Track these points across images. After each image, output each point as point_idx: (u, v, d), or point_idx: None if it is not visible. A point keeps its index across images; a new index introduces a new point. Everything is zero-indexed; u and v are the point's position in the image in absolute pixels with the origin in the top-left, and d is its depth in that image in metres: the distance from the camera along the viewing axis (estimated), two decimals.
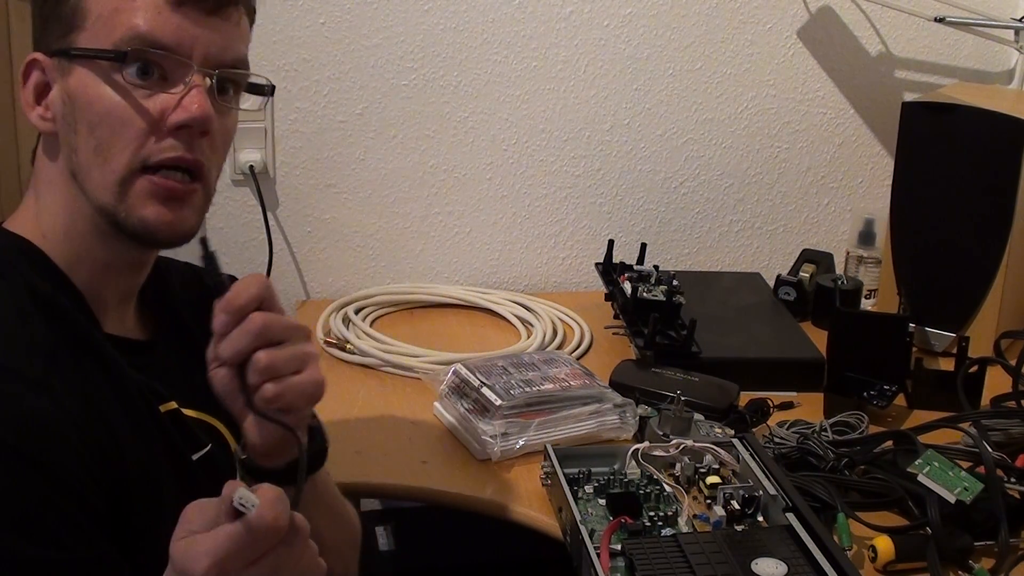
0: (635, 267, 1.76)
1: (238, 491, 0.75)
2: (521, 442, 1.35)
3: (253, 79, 0.99)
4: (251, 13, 0.99)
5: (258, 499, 0.75)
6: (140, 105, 0.92)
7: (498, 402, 1.35)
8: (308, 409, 0.94)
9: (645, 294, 1.63)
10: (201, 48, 0.93)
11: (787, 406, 1.50)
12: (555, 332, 1.72)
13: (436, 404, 1.46)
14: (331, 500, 1.09)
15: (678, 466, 1.21)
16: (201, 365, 1.03)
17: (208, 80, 0.93)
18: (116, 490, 0.88)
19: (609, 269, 1.79)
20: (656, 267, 1.72)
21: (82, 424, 0.86)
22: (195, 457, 0.98)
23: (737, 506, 1.13)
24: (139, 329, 1.02)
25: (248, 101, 1.00)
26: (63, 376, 0.87)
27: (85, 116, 0.93)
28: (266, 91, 1.00)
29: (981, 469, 1.24)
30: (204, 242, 0.94)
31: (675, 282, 1.66)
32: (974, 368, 1.51)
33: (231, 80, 0.96)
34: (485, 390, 1.38)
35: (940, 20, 1.83)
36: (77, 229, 0.95)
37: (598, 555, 1.04)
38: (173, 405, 0.98)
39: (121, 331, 0.98)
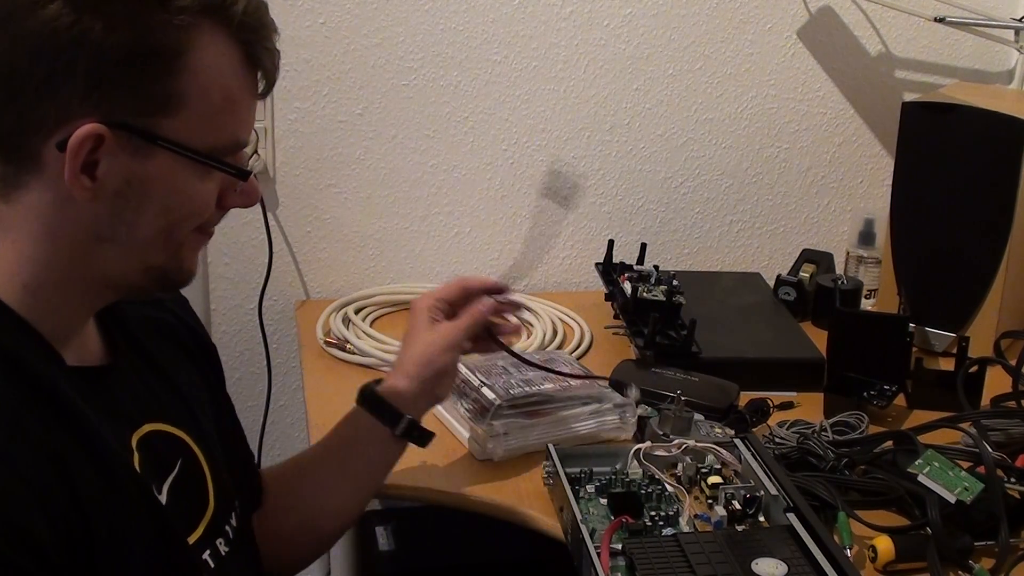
0: (635, 267, 1.76)
1: None
2: (521, 442, 1.35)
3: None
4: None
5: None
6: (216, 191, 0.93)
7: (498, 402, 1.35)
8: None
9: (645, 294, 1.63)
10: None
11: (787, 406, 1.50)
12: (555, 332, 1.72)
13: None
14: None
15: (680, 466, 1.21)
16: (159, 378, 1.02)
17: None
18: (83, 556, 0.84)
19: (609, 269, 1.79)
20: (656, 267, 1.72)
21: (47, 493, 0.82)
22: (166, 487, 0.96)
23: (738, 506, 1.13)
24: (98, 351, 0.98)
25: None
26: (27, 441, 0.82)
27: (161, 201, 0.89)
28: None
29: (981, 469, 1.24)
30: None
31: (675, 282, 1.66)
32: (974, 368, 1.51)
33: None
34: (485, 390, 1.38)
35: (940, 20, 1.83)
36: (70, 277, 0.90)
37: (598, 554, 1.04)
38: (146, 429, 0.96)
39: (83, 359, 0.94)
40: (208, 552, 0.99)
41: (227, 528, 1.04)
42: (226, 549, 1.02)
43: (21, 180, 0.87)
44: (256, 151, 0.95)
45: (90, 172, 0.85)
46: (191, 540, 0.98)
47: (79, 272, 0.90)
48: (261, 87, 0.93)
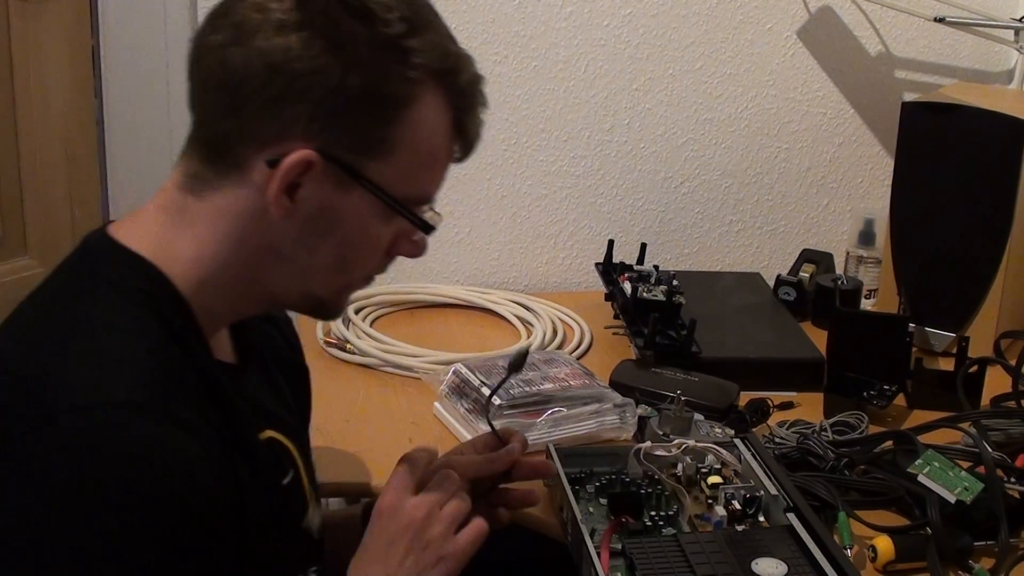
0: (635, 267, 1.76)
1: None
2: None
3: None
4: None
5: None
6: (390, 238, 0.96)
7: (498, 402, 1.35)
8: None
9: (645, 294, 1.63)
10: None
11: (787, 406, 1.50)
12: (555, 332, 1.72)
13: (436, 404, 1.46)
14: None
15: (680, 466, 1.21)
16: (275, 389, 1.06)
17: None
18: (240, 528, 0.89)
19: (609, 269, 1.79)
20: (656, 267, 1.72)
21: (219, 465, 0.86)
22: (284, 482, 1.01)
23: (738, 506, 1.13)
24: (230, 352, 1.01)
25: None
26: (201, 414, 0.87)
27: (344, 234, 0.92)
28: None
29: (981, 469, 1.24)
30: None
31: (675, 282, 1.66)
32: (974, 368, 1.51)
33: None
34: (485, 390, 1.38)
35: (940, 20, 1.83)
36: (239, 283, 0.93)
37: (598, 554, 1.04)
38: (268, 434, 0.99)
39: (223, 356, 0.98)
40: None
41: None
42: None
43: (219, 183, 0.90)
44: (433, 208, 0.98)
45: (290, 193, 0.89)
46: None
47: (248, 280, 0.93)
48: (458, 153, 0.97)
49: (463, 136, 0.96)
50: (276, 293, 0.95)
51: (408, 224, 0.95)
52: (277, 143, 0.87)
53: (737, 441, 1.25)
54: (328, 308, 0.99)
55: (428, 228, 0.96)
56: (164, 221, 0.92)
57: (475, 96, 0.96)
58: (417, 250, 0.99)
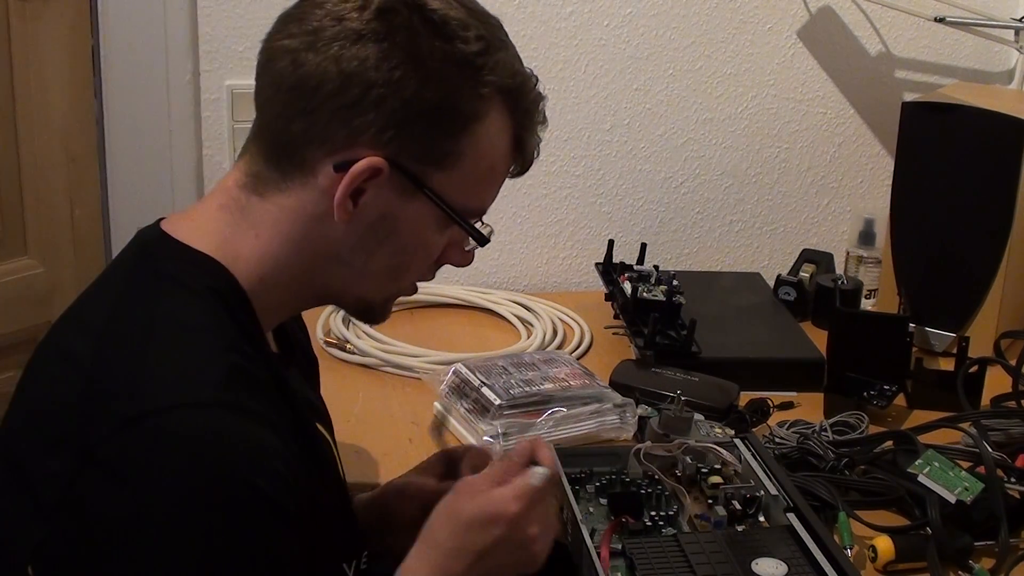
0: (635, 267, 1.76)
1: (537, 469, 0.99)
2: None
3: None
4: None
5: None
6: (442, 246, 0.98)
7: (498, 402, 1.35)
8: None
9: (645, 294, 1.63)
10: None
11: (787, 406, 1.50)
12: (555, 332, 1.72)
13: (436, 404, 1.46)
14: None
15: (680, 466, 1.21)
16: (308, 380, 1.08)
17: None
18: (312, 519, 0.89)
19: (609, 269, 1.79)
20: (656, 267, 1.72)
21: (294, 458, 0.87)
22: (335, 472, 1.02)
23: (738, 506, 1.13)
24: (275, 348, 1.02)
25: None
26: (275, 410, 0.88)
27: (401, 241, 0.94)
28: None
29: (981, 469, 1.24)
30: None
31: (675, 282, 1.66)
32: (974, 368, 1.51)
33: None
34: (485, 390, 1.38)
35: (940, 20, 1.83)
36: (297, 283, 0.95)
37: (598, 554, 1.04)
38: (316, 425, 1.01)
39: (274, 348, 1.00)
40: None
41: None
42: None
43: (284, 184, 0.91)
44: (483, 220, 1.00)
45: (354, 198, 0.90)
46: None
47: (306, 281, 0.95)
48: (516, 169, 1.00)
49: (522, 153, 0.98)
50: (330, 294, 0.97)
51: (460, 234, 0.97)
52: (345, 148, 0.89)
53: (737, 441, 1.25)
54: (376, 312, 1.01)
55: (483, 240, 0.98)
56: (226, 219, 0.93)
57: (537, 115, 0.99)
58: (466, 260, 1.01)
